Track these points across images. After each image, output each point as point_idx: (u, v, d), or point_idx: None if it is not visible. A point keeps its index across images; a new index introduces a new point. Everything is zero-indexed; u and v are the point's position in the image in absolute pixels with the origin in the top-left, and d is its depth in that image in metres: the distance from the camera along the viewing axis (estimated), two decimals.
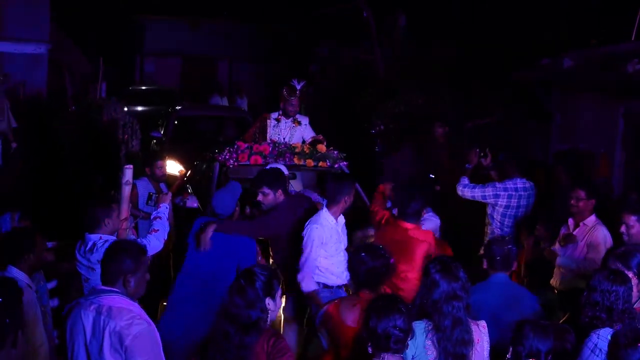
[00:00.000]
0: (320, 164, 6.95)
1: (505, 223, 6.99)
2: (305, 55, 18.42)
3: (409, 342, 3.59)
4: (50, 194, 9.98)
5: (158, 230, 5.18)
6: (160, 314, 5.86)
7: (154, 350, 3.44)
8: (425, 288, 3.94)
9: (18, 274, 4.55)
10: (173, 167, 8.31)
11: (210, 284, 5.27)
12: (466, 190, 7.08)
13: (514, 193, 6.93)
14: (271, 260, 6.23)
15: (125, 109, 13.99)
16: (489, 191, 6.99)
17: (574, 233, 6.04)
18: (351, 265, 4.41)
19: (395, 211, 5.88)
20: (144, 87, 21.31)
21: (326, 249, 5.48)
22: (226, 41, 24.43)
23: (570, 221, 6.13)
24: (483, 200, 7.06)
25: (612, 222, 5.85)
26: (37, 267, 4.86)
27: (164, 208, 5.41)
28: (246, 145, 6.95)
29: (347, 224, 5.84)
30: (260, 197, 5.87)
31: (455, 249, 6.01)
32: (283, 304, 5.52)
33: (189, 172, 8.48)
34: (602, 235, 5.87)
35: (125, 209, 5.19)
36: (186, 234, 5.72)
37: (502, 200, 6.95)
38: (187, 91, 21.81)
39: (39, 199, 9.42)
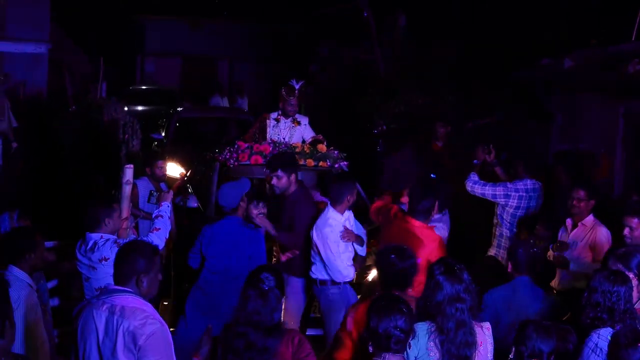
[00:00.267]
0: (321, 163, 6.95)
1: (515, 224, 6.86)
2: (306, 55, 18.39)
3: (412, 343, 3.60)
4: (51, 193, 9.97)
5: (159, 228, 5.18)
6: (160, 314, 5.85)
7: (166, 350, 3.45)
8: (429, 290, 3.94)
9: (19, 273, 4.55)
10: (174, 169, 8.26)
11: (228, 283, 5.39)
12: (477, 187, 6.89)
13: (524, 194, 6.81)
14: (273, 260, 6.25)
15: (126, 108, 14.01)
16: (499, 191, 6.83)
17: (573, 233, 6.02)
18: (380, 267, 4.40)
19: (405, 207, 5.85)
20: (144, 87, 21.32)
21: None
22: (226, 41, 24.40)
23: (569, 221, 6.10)
24: (492, 200, 6.91)
25: (611, 223, 5.84)
26: (38, 267, 4.87)
27: (166, 206, 5.38)
28: (246, 145, 6.94)
29: None
30: (274, 181, 5.93)
31: (459, 249, 6.00)
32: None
33: (190, 172, 8.46)
34: (605, 235, 5.85)
35: (125, 208, 5.20)
36: (187, 234, 5.71)
37: (512, 201, 6.81)
38: (188, 91, 21.78)
39: (39, 199, 9.42)
